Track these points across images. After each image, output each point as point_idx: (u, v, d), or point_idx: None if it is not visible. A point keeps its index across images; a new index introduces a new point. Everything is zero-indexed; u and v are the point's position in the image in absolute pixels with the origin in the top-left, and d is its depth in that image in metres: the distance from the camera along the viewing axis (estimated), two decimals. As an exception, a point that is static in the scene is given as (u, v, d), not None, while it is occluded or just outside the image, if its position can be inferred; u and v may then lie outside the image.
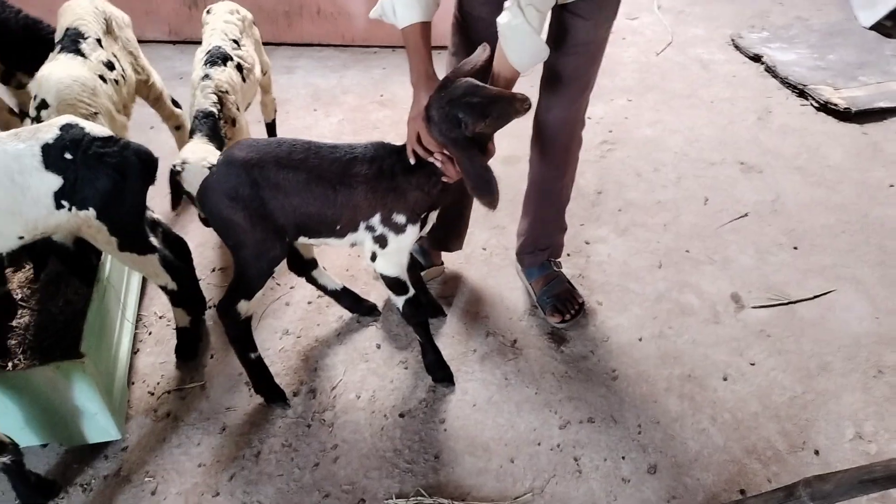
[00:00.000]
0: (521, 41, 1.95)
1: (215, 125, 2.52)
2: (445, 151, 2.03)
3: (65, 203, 2.06)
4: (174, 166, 2.36)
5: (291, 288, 2.87)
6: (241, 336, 2.29)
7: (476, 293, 2.84)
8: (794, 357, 2.57)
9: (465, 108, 1.90)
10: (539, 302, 2.72)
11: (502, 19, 1.94)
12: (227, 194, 2.03)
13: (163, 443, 2.30)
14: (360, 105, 4.08)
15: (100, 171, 2.07)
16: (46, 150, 2.02)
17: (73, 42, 2.59)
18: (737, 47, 4.75)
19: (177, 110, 3.19)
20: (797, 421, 2.35)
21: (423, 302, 2.49)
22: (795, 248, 3.06)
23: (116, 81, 2.66)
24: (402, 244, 2.16)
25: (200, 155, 2.35)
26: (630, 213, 3.25)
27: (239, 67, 2.74)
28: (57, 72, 2.45)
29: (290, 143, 2.09)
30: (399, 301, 2.30)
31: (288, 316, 2.75)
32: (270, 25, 4.60)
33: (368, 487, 2.17)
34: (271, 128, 3.53)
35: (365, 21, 4.56)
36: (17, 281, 2.61)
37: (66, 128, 2.06)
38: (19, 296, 2.55)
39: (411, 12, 2.05)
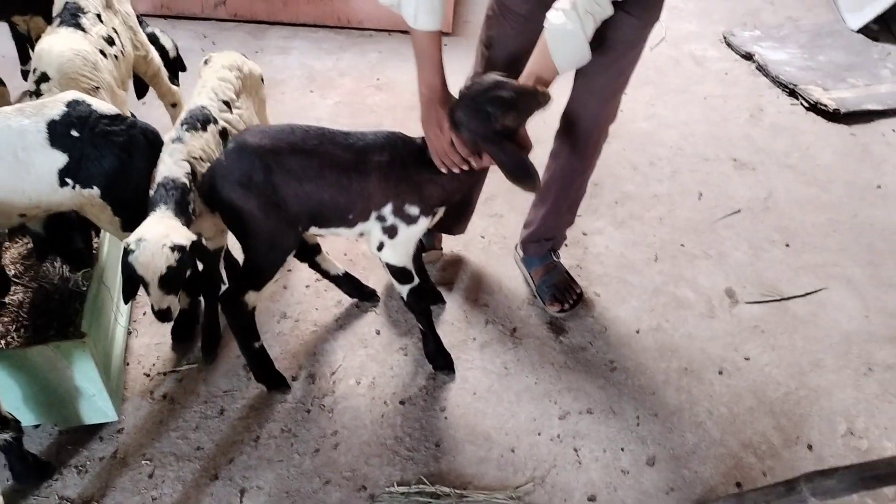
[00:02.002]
0: (572, 46, 1.93)
1: (183, 198, 2.03)
2: (475, 158, 2.02)
3: (69, 181, 2.02)
4: (127, 244, 1.89)
5: (289, 271, 2.84)
6: (245, 326, 2.26)
7: (475, 281, 2.84)
8: (787, 353, 2.62)
9: (494, 101, 1.88)
10: (538, 291, 2.74)
11: (555, 20, 1.91)
12: (239, 182, 1.99)
13: (160, 426, 2.27)
14: (356, 88, 4.04)
15: (106, 150, 2.03)
16: (52, 126, 1.97)
17: (73, 16, 2.52)
18: (729, 45, 4.79)
19: (173, 87, 3.13)
20: (791, 416, 2.39)
21: (427, 290, 2.48)
22: (787, 245, 3.11)
23: (116, 57, 2.60)
24: (412, 235, 2.16)
25: (161, 232, 1.90)
26: (627, 206, 3.27)
27: (223, 133, 2.25)
28: (58, 45, 2.38)
29: (303, 129, 2.06)
30: (403, 290, 2.29)
31: (286, 299, 2.73)
32: (266, 4, 4.53)
33: (369, 475, 2.17)
34: None
35: (361, 3, 4.50)
36: (10, 257, 2.55)
37: (72, 104, 2.01)
38: (12, 272, 2.49)
39: (433, 18, 1.98)
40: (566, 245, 2.98)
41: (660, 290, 2.84)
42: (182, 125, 2.15)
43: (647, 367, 2.53)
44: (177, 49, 3.24)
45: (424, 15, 1.97)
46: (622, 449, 2.27)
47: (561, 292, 2.69)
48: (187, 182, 2.04)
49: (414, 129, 2.15)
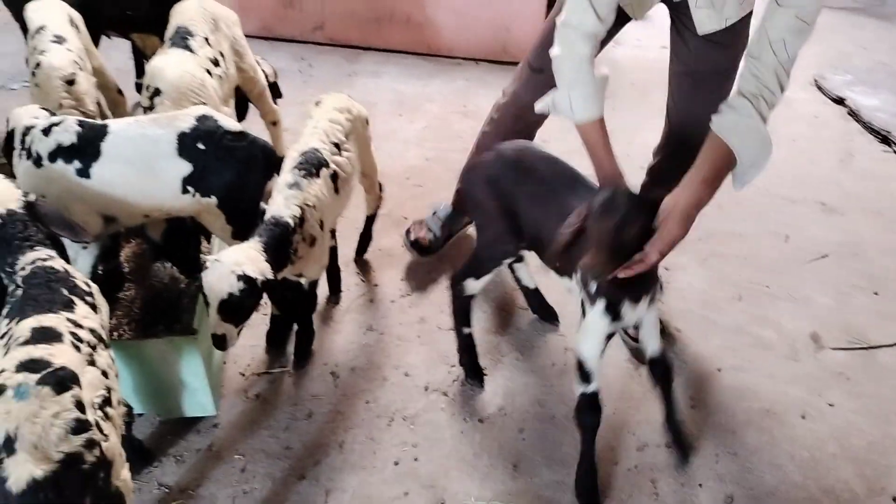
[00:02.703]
0: (752, 136, 1.89)
1: (282, 238, 2.10)
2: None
3: (190, 189, 2.17)
4: (205, 261, 1.98)
5: (375, 286, 2.95)
6: (461, 310, 2.48)
7: (555, 306, 2.88)
8: (872, 402, 2.57)
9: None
10: None
11: (725, 122, 1.87)
12: (488, 179, 2.19)
13: (252, 423, 2.39)
14: (443, 114, 4.17)
15: (227, 163, 2.18)
16: (182, 138, 2.14)
17: (183, 39, 2.72)
18: (819, 88, 4.75)
19: (275, 107, 3.32)
20: (875, 466, 2.36)
21: (600, 406, 2.16)
22: (876, 293, 3.06)
23: (220, 77, 2.78)
24: (591, 323, 2.04)
25: (236, 259, 1.94)
26: (710, 244, 3.28)
27: (334, 177, 2.34)
28: (170, 64, 2.57)
29: (555, 161, 2.16)
30: (577, 390, 2.14)
31: (371, 312, 2.84)
32: (360, 31, 4.73)
33: (448, 488, 2.23)
34: (371, 221, 3.07)
35: (450, 32, 4.65)
36: (124, 254, 2.74)
37: (201, 119, 2.18)
38: (126, 269, 2.68)
39: (591, 108, 2.02)
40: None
41: (742, 330, 2.84)
42: (299, 170, 2.24)
43: (727, 405, 2.53)
44: (276, 75, 3.43)
45: (580, 105, 2.02)
46: (700, 485, 2.28)
47: None
48: (291, 224, 2.13)
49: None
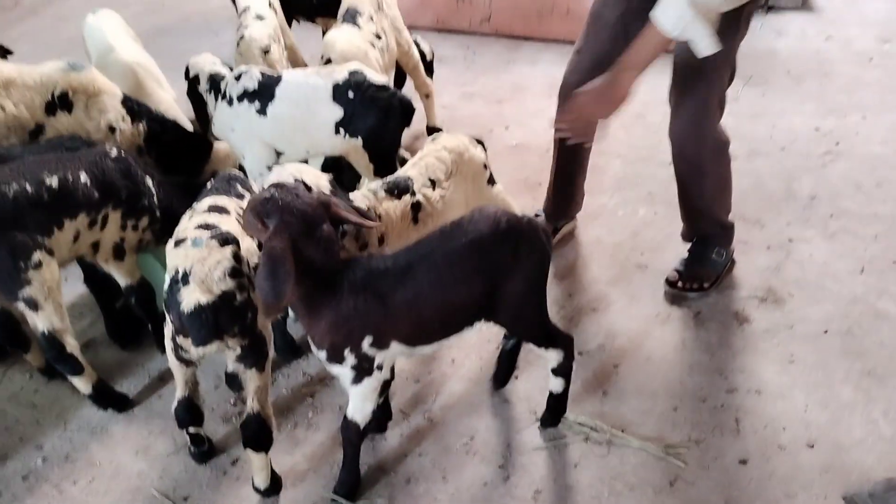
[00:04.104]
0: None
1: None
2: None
3: (341, 130, 2.63)
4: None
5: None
6: None
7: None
8: None
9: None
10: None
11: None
12: None
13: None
14: (591, 97, 4.39)
15: (372, 110, 2.62)
16: (336, 87, 2.61)
17: (352, 16, 3.21)
18: None
19: (428, 80, 3.75)
20: (981, 433, 2.31)
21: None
22: None
23: (381, 49, 3.24)
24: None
25: (299, 171, 2.13)
26: (842, 221, 3.25)
27: (416, 206, 2.32)
28: (340, 37, 3.07)
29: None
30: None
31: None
32: (523, 22, 5.07)
33: (542, 403, 2.48)
34: None
35: (608, 23, 4.86)
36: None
37: (353, 73, 2.64)
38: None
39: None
40: (768, 247, 3.09)
41: (858, 300, 2.83)
42: (384, 185, 2.32)
43: (828, 364, 2.57)
44: (432, 54, 3.85)
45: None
46: (784, 428, 2.37)
47: (690, 274, 2.88)
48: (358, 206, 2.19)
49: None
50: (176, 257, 1.91)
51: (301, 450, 2.37)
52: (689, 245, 2.97)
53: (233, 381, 2.50)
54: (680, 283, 2.87)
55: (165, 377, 2.62)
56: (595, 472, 2.27)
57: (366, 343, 1.94)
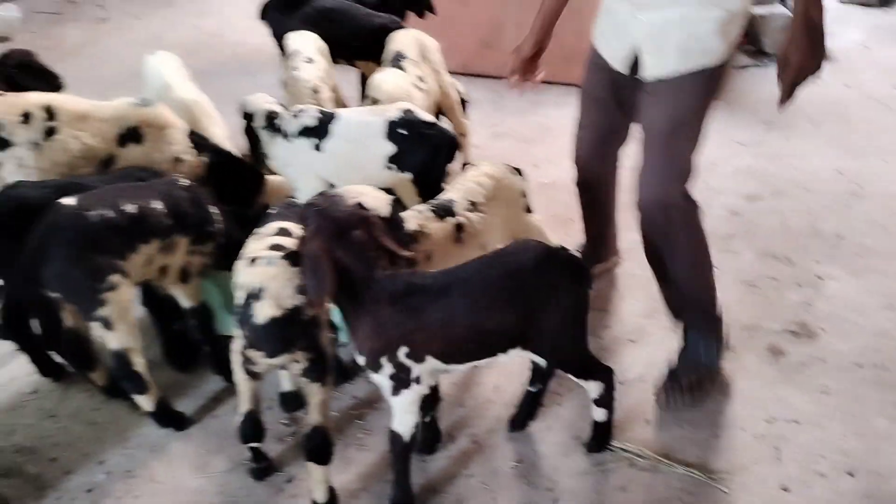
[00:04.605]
0: None
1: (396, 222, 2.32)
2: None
3: (392, 166, 2.77)
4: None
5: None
6: None
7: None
8: None
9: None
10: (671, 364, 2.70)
11: None
12: None
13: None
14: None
15: (422, 146, 2.76)
16: (390, 124, 2.76)
17: (397, 61, 3.38)
18: None
19: (464, 121, 3.91)
20: None
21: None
22: None
23: (425, 92, 3.41)
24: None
25: (361, 192, 2.26)
26: (868, 259, 3.36)
27: (459, 227, 2.48)
28: (387, 79, 3.23)
29: None
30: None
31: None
32: (550, 68, 5.19)
33: (584, 430, 2.56)
34: None
35: (632, 69, 5.05)
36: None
37: (405, 111, 2.79)
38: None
39: None
40: (798, 285, 3.18)
41: (889, 334, 2.92)
42: (430, 205, 2.51)
43: (862, 395, 2.65)
44: (467, 95, 4.03)
45: None
46: (823, 456, 2.44)
47: (676, 380, 2.63)
48: (406, 227, 2.36)
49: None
50: (249, 275, 2.02)
51: (353, 469, 2.44)
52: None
53: (287, 402, 2.62)
54: (672, 400, 2.61)
55: (220, 398, 2.71)
56: (641, 496, 2.34)
57: (402, 353, 2.04)
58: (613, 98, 2.64)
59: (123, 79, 3.81)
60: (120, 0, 6.95)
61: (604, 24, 2.57)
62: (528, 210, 2.79)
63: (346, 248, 1.94)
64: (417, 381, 2.10)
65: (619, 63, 2.50)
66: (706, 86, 2.36)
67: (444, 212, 2.48)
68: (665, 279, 2.69)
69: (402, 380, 2.08)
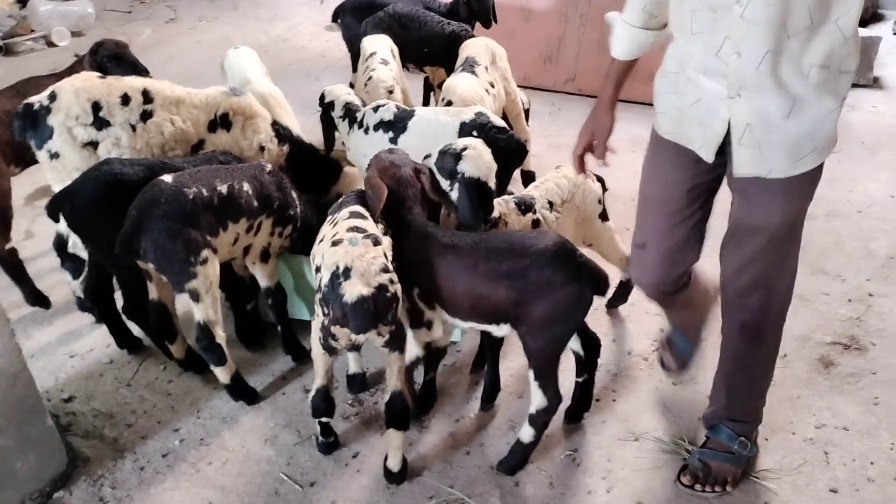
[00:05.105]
0: None
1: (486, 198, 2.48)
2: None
3: (463, 167, 2.90)
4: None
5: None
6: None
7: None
8: None
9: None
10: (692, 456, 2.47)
11: None
12: None
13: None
14: (669, 154, 4.64)
15: (492, 149, 2.87)
16: (463, 125, 2.89)
17: (471, 66, 3.53)
18: None
19: (527, 127, 4.04)
20: None
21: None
22: None
23: (494, 97, 3.55)
24: None
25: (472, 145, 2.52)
26: (920, 279, 3.41)
27: (535, 223, 2.67)
28: (460, 83, 3.38)
29: None
30: None
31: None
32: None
33: (639, 424, 2.65)
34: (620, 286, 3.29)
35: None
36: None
37: (478, 114, 2.92)
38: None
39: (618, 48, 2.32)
40: (849, 301, 3.23)
41: (941, 351, 2.97)
42: (514, 198, 2.69)
43: (912, 408, 2.71)
44: (529, 103, 4.15)
45: (615, 43, 2.32)
46: (872, 462, 2.50)
47: (707, 474, 2.39)
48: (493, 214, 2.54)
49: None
50: (335, 255, 2.13)
51: (415, 449, 2.56)
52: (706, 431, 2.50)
53: (353, 383, 2.75)
54: (698, 486, 2.39)
55: (287, 377, 2.86)
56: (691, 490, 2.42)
57: (415, 292, 2.36)
58: (686, 197, 2.19)
59: (192, 76, 4.00)
60: (189, 3, 7.25)
61: (678, 102, 2.09)
62: (604, 217, 2.90)
63: (398, 182, 2.41)
64: (428, 325, 2.42)
65: (701, 149, 2.06)
66: (815, 180, 2.01)
67: (525, 207, 2.67)
68: (733, 378, 2.38)
69: (415, 318, 2.41)
